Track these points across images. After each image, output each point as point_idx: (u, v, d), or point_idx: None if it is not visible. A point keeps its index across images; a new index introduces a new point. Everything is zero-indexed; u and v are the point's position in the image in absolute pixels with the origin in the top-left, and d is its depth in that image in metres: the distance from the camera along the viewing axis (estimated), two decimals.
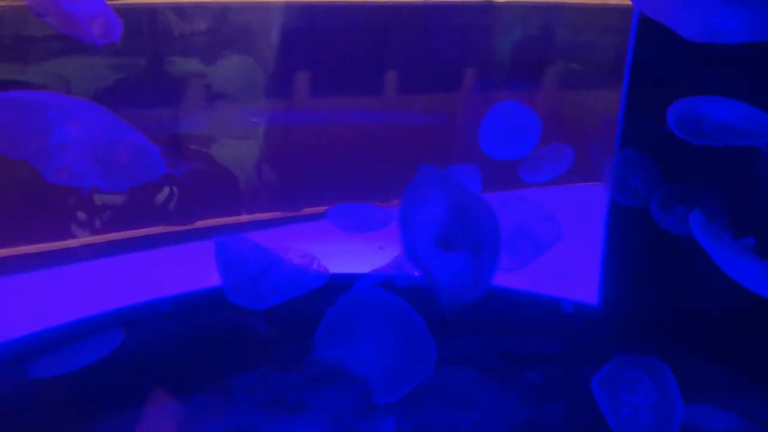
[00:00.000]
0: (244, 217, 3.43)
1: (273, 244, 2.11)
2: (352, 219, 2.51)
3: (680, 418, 1.60)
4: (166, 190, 3.05)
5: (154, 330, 2.53)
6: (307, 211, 3.48)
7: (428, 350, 1.47)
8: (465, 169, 2.38)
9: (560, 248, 2.56)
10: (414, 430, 1.95)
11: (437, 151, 3.53)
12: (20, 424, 1.93)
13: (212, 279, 2.77)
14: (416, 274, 1.38)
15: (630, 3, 2.49)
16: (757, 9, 1.26)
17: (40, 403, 1.93)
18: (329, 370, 2.24)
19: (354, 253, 2.62)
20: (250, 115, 3.36)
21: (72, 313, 2.37)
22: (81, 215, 2.86)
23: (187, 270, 2.82)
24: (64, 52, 2.77)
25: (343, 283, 1.68)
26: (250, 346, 2.36)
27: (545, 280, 2.69)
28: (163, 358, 2.32)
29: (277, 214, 3.48)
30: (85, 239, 2.83)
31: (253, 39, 3.32)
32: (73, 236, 2.83)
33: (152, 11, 3.06)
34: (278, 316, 1.83)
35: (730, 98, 1.70)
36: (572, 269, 2.75)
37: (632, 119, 2.44)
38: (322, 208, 2.75)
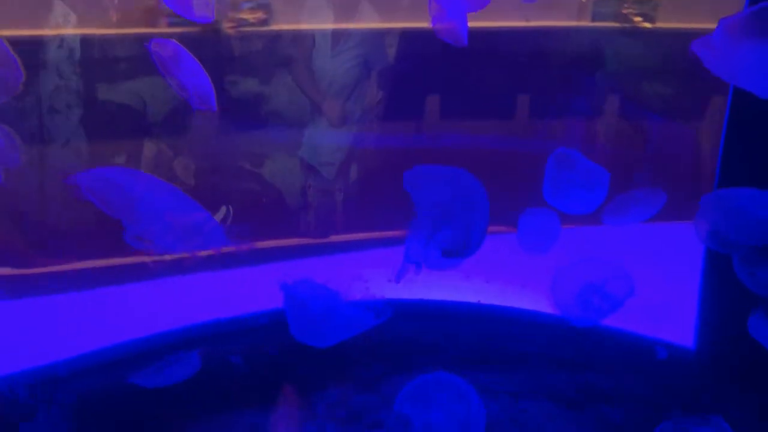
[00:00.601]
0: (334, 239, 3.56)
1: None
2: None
3: None
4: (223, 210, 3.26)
5: (245, 344, 2.65)
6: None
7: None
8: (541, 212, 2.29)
9: (657, 287, 2.49)
10: None
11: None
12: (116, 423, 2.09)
13: None
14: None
15: None
16: None
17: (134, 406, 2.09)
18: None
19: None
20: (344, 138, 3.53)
21: (161, 326, 2.54)
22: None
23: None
24: (144, 74, 3.04)
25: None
26: (332, 366, 2.43)
27: (640, 319, 2.62)
28: (252, 371, 2.43)
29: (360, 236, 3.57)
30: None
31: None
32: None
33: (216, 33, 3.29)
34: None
35: None
36: (668, 310, 2.66)
37: (732, 157, 2.35)
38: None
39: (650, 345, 2.39)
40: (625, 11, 3.60)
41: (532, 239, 2.27)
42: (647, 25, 3.60)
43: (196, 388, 2.12)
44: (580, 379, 2.25)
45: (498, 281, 2.86)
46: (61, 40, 3.01)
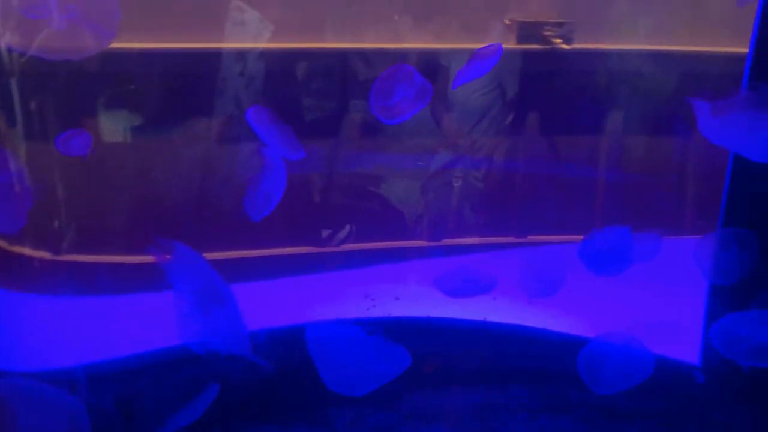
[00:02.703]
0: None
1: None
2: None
3: None
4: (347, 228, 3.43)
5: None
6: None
7: None
8: None
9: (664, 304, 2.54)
10: None
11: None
12: None
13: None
14: None
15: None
16: None
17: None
18: (423, 411, 2.29)
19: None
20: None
21: None
22: None
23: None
24: None
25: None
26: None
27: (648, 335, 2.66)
28: (264, 386, 2.43)
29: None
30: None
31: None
32: None
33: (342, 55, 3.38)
34: None
35: None
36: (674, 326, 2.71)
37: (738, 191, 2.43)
38: None
39: (673, 365, 2.42)
40: (546, 33, 3.75)
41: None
42: (566, 46, 3.75)
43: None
44: (592, 397, 2.28)
45: (504, 297, 2.89)
46: None
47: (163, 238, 1.61)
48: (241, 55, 3.16)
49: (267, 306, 2.80)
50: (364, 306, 3.03)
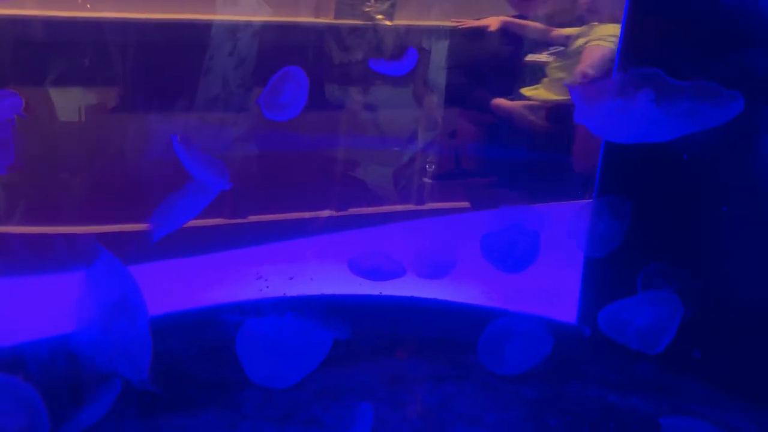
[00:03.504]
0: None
1: None
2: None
3: None
4: None
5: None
6: None
7: None
8: None
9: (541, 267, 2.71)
10: None
11: None
12: None
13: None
14: None
15: None
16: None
17: None
18: (332, 388, 2.33)
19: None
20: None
21: None
22: None
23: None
24: None
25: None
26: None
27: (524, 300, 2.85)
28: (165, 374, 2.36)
29: None
30: None
31: None
32: None
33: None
34: None
35: None
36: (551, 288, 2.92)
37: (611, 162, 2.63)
38: None
39: (560, 326, 2.60)
40: (367, 9, 3.92)
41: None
42: (388, 22, 3.95)
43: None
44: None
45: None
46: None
47: (90, 243, 1.51)
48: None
49: (158, 288, 2.70)
50: (257, 287, 3.00)
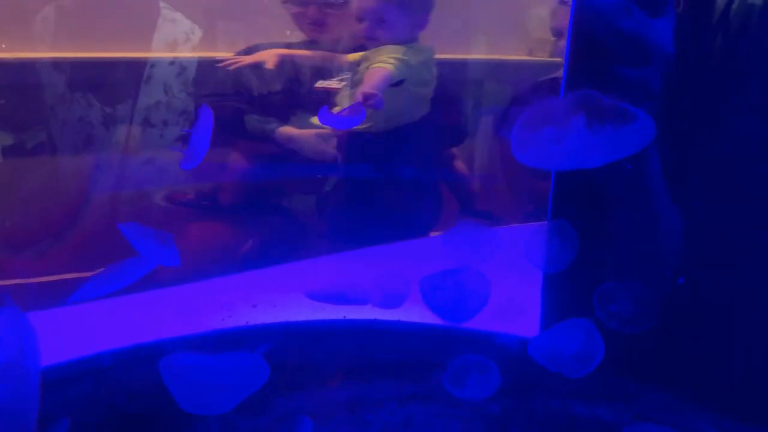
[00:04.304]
0: None
1: None
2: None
3: None
4: None
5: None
6: None
7: None
8: None
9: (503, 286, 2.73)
10: None
11: None
12: None
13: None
14: None
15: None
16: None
17: None
18: (294, 412, 2.30)
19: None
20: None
21: None
22: None
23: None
24: None
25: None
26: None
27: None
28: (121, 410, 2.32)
29: None
30: None
31: None
32: None
33: None
34: None
35: None
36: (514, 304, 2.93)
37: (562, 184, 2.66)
38: None
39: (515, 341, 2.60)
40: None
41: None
42: None
43: None
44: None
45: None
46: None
47: None
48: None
49: (117, 323, 2.66)
50: (219, 317, 2.96)
